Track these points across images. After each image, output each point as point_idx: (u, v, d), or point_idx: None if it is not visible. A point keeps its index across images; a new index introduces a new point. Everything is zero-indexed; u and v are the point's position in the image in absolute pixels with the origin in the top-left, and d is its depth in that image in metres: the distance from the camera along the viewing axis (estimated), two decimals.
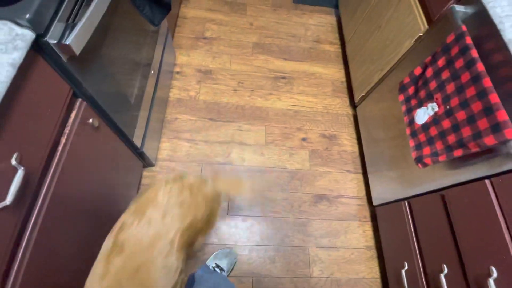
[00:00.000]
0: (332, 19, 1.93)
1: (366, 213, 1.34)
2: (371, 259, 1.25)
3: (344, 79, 1.70)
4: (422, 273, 0.92)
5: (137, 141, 1.04)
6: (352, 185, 1.39)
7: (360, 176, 1.42)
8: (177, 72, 1.54)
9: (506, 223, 0.65)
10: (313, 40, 1.82)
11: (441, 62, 0.83)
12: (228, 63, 1.62)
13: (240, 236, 1.20)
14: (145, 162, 1.20)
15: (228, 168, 1.32)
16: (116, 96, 0.86)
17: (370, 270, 1.23)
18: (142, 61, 1.05)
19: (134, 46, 0.96)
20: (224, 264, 1.07)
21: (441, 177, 0.87)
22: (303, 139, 1.47)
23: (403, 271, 0.99)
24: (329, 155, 1.45)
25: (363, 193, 1.38)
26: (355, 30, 1.55)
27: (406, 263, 0.99)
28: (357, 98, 1.49)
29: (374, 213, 1.30)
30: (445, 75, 0.81)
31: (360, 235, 1.29)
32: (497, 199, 0.68)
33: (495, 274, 0.66)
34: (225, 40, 1.70)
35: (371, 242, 1.28)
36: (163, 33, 1.28)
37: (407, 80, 0.97)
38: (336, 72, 1.72)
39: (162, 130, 1.36)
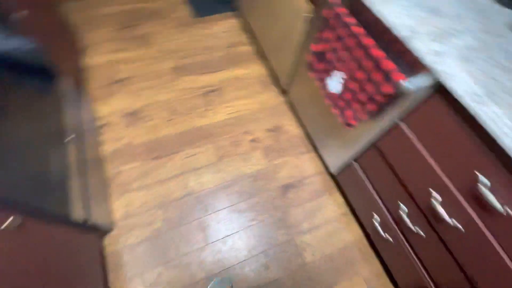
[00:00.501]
0: (235, 22, 2.00)
1: (331, 183, 1.42)
2: (350, 223, 1.33)
3: (268, 73, 1.77)
4: (389, 217, 1.01)
5: (80, 215, 0.96)
6: (309, 164, 1.47)
7: (313, 154, 1.50)
8: (103, 125, 1.46)
9: (428, 152, 0.75)
10: (227, 46, 1.86)
11: (328, 34, 0.91)
12: (153, 96, 1.58)
13: (226, 259, 1.19)
14: (100, 231, 1.11)
15: (191, 199, 1.29)
16: (34, 180, 0.78)
17: (353, 233, 1.31)
18: (55, 130, 0.97)
19: (38, 119, 0.89)
20: None
21: (369, 130, 0.96)
22: (252, 141, 1.50)
23: (375, 222, 1.07)
24: (280, 145, 1.51)
25: (321, 167, 1.46)
26: (260, 24, 1.63)
27: (375, 214, 1.08)
28: (284, 85, 1.57)
29: (337, 181, 1.38)
30: (336, 45, 0.90)
31: (333, 206, 1.36)
32: (416, 136, 0.78)
33: (434, 193, 0.75)
34: (141, 76, 1.65)
35: (344, 208, 1.36)
36: (71, 92, 1.20)
37: (309, 58, 1.05)
38: (258, 69, 1.78)
39: (108, 189, 1.28)
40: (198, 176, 1.35)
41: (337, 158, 1.27)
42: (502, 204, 0.59)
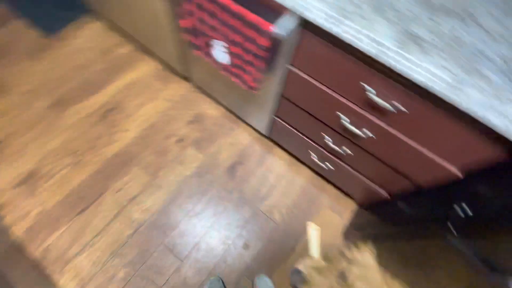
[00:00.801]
0: (97, 25, 1.71)
1: (269, 143, 1.45)
2: (298, 169, 1.40)
3: (160, 66, 1.61)
4: (322, 149, 1.08)
5: None
6: (243, 136, 1.46)
7: (242, 124, 1.48)
8: None
9: (323, 84, 0.79)
10: (101, 55, 1.61)
11: (188, 6, 0.83)
12: (42, 148, 1.32)
13: (207, 263, 1.16)
14: None
15: (143, 230, 1.19)
16: None
17: (304, 175, 1.39)
18: None
19: None
20: None
21: (272, 85, 0.97)
22: (178, 141, 1.41)
23: (314, 158, 1.15)
24: (208, 132, 1.45)
25: (254, 134, 1.47)
26: (123, 18, 1.42)
27: (311, 152, 1.15)
28: (183, 72, 1.46)
29: (272, 139, 1.42)
30: (200, 14, 0.83)
31: (279, 161, 1.41)
32: (304, 73, 0.80)
33: (341, 116, 0.81)
34: (15, 133, 1.35)
35: (289, 159, 1.42)
36: None
37: (186, 36, 0.97)
38: (148, 65, 1.61)
39: (45, 271, 1.08)
40: (139, 204, 1.24)
41: (261, 120, 1.28)
42: (390, 104, 0.66)
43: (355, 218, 1.31)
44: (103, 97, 1.48)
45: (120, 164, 1.32)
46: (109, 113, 1.44)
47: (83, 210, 1.20)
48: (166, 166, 1.34)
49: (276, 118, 1.14)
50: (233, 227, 1.25)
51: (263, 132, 1.38)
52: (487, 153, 0.61)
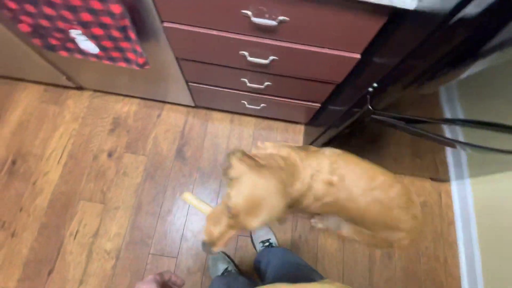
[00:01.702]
0: None
1: (202, 111, 1.39)
2: (237, 121, 1.39)
3: (42, 87, 1.35)
4: (250, 93, 1.07)
5: None
6: (174, 116, 1.37)
7: (167, 106, 1.38)
8: None
9: (204, 27, 0.72)
10: None
11: (12, 5, 0.66)
12: None
13: (199, 245, 1.18)
14: None
15: (124, 254, 1.14)
16: None
17: (248, 124, 1.39)
18: None
19: None
20: (222, 266, 1.09)
21: (161, 52, 0.87)
22: (109, 155, 1.28)
23: (247, 105, 1.14)
24: (136, 130, 1.32)
25: (184, 109, 1.38)
26: None
27: (242, 101, 1.13)
28: (70, 83, 1.25)
29: (202, 106, 1.35)
30: (33, 8, 0.67)
31: (220, 124, 1.38)
32: (180, 23, 0.72)
33: (246, 53, 0.78)
34: None
35: (228, 116, 1.39)
36: None
37: (36, 41, 0.79)
38: (28, 93, 1.34)
39: None
40: (106, 235, 1.16)
41: (180, 92, 1.19)
42: (271, 18, 0.64)
43: (307, 136, 1.38)
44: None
45: (62, 208, 1.18)
46: (15, 166, 1.23)
47: (51, 272, 1.10)
48: (111, 185, 1.23)
49: (190, 84, 1.07)
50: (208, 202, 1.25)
51: (190, 103, 1.30)
52: (367, 26, 0.63)
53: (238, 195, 0.49)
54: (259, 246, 1.14)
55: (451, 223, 1.32)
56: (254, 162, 0.54)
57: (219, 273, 1.08)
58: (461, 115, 0.72)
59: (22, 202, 1.18)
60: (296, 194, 0.62)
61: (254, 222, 0.49)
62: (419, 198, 1.35)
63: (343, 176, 0.66)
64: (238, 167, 0.53)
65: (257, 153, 0.62)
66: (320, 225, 1.20)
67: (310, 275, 0.62)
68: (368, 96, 0.69)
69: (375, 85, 0.68)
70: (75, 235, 1.15)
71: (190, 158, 1.31)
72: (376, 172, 0.70)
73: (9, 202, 1.17)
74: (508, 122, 0.70)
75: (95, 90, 1.36)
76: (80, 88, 1.36)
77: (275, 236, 1.20)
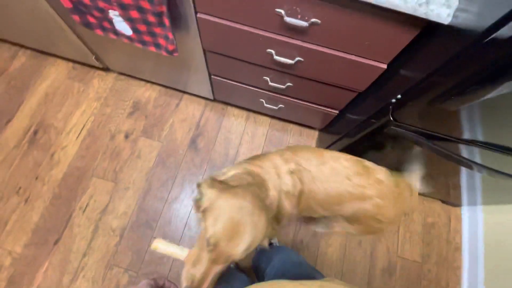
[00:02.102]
0: None
1: (219, 105, 1.41)
2: (257, 120, 1.40)
3: (71, 64, 1.41)
4: (268, 93, 1.08)
5: None
6: (192, 107, 1.39)
7: (186, 96, 1.40)
8: None
9: (236, 22, 0.74)
10: None
11: None
12: None
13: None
14: None
15: (129, 234, 1.16)
16: None
17: (263, 123, 1.40)
18: None
19: None
20: None
21: (191, 42, 0.89)
22: (126, 136, 1.31)
23: (265, 104, 1.15)
24: (154, 116, 1.36)
25: (202, 101, 1.41)
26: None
27: (260, 99, 1.14)
28: (98, 63, 1.29)
29: (221, 100, 1.37)
30: None
31: (236, 120, 1.40)
32: (214, 16, 0.74)
33: (273, 51, 0.79)
34: None
35: (244, 114, 1.41)
36: None
37: (75, 17, 0.83)
38: (57, 69, 1.40)
39: None
40: (114, 212, 1.19)
41: (202, 84, 1.21)
42: (303, 19, 0.65)
43: (319, 143, 1.38)
44: (22, 122, 1.29)
45: (75, 182, 1.22)
46: (37, 137, 1.28)
47: (57, 241, 1.14)
48: (124, 166, 1.27)
49: (213, 77, 1.09)
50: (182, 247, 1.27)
51: (209, 96, 1.32)
52: (398, 37, 0.64)
53: (215, 222, 0.45)
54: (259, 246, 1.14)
55: (458, 248, 1.29)
56: (225, 185, 0.51)
57: None
58: (480, 137, 0.71)
59: (38, 171, 1.22)
60: (274, 202, 0.60)
61: (239, 248, 0.45)
62: (428, 219, 1.32)
63: (298, 161, 0.67)
64: (210, 194, 0.49)
65: (224, 178, 0.59)
66: (319, 229, 1.18)
67: (312, 274, 0.62)
68: (390, 107, 0.69)
69: (399, 96, 0.68)
70: (85, 209, 1.18)
71: (202, 149, 1.33)
72: (322, 150, 0.73)
73: (27, 169, 1.22)
74: None
75: (120, 73, 1.41)
76: (106, 69, 1.40)
77: (277, 238, 1.20)
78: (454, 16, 0.53)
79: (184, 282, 0.46)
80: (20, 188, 1.19)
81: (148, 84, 1.41)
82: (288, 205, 0.63)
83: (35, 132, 1.28)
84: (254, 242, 0.46)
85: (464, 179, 1.13)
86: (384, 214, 0.71)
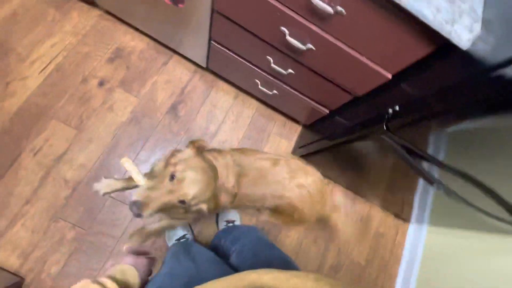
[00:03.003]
0: None
1: (210, 76, 1.33)
2: (245, 100, 1.36)
3: None
4: (268, 76, 1.04)
5: None
6: (179, 70, 1.30)
7: (176, 56, 1.30)
8: None
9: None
10: None
11: None
12: None
13: None
14: None
15: (83, 188, 1.07)
16: None
17: (251, 106, 1.37)
18: None
19: None
20: (180, 232, 1.06)
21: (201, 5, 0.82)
22: (100, 84, 1.18)
23: (259, 86, 1.12)
24: (136, 69, 1.24)
25: (192, 66, 1.32)
26: None
27: (255, 80, 1.10)
28: None
29: (213, 71, 1.30)
30: None
31: (224, 95, 1.34)
32: None
33: (286, 31, 0.75)
34: None
35: (234, 91, 1.35)
36: None
37: None
38: None
39: None
40: (70, 162, 1.08)
41: (197, 47, 1.13)
42: (331, 5, 0.62)
43: (300, 138, 1.39)
44: None
45: (31, 120, 1.07)
46: None
47: None
48: (92, 115, 1.14)
49: (213, 43, 1.02)
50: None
51: (202, 63, 1.24)
52: (412, 50, 0.64)
53: (186, 169, 0.60)
54: (222, 225, 1.13)
55: (398, 261, 1.41)
56: (199, 152, 0.67)
57: (176, 237, 1.05)
58: (441, 157, 0.75)
59: None
60: (218, 189, 0.72)
61: (192, 191, 0.59)
62: (380, 229, 1.42)
63: (243, 165, 0.79)
64: (189, 152, 0.66)
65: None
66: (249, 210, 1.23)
67: (285, 258, 0.63)
68: (386, 116, 0.71)
69: (396, 108, 0.69)
70: (36, 152, 1.05)
71: (182, 117, 1.26)
72: (259, 153, 0.87)
73: None
74: (486, 181, 0.75)
75: (107, 12, 1.25)
76: (91, 3, 1.23)
77: (241, 221, 1.20)
78: (473, 43, 0.54)
79: (134, 197, 0.57)
80: None
81: (137, 33, 1.27)
82: (223, 199, 0.74)
83: None
84: (201, 195, 0.62)
85: (417, 198, 1.23)
86: (300, 213, 0.86)
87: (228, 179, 0.74)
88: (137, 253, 0.59)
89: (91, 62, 1.19)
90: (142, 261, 0.56)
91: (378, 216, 1.44)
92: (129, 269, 0.51)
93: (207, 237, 1.14)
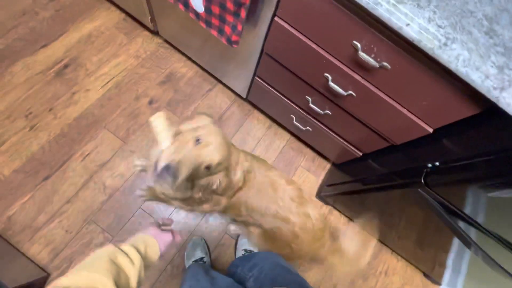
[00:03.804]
0: None
1: (247, 106, 1.41)
2: (277, 131, 1.41)
3: (123, 16, 1.41)
4: (302, 112, 1.08)
5: None
6: (221, 98, 1.40)
7: (219, 86, 1.41)
8: None
9: (309, 39, 0.75)
10: (48, 0, 1.35)
11: None
12: None
13: (188, 223, 1.17)
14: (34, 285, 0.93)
15: (118, 196, 1.14)
16: None
17: (282, 138, 1.40)
18: None
19: None
20: (199, 253, 1.07)
21: (254, 40, 0.90)
22: (150, 102, 1.31)
23: (294, 121, 1.16)
24: (183, 93, 1.36)
25: (232, 96, 1.41)
26: None
27: (291, 115, 1.15)
28: (150, 24, 1.30)
29: (251, 102, 1.38)
30: None
31: (258, 124, 1.40)
32: (290, 25, 0.75)
33: (329, 76, 0.80)
34: None
35: (268, 122, 1.41)
36: None
37: None
38: (109, 15, 1.40)
39: (12, 240, 1.01)
40: (112, 170, 1.17)
41: (241, 80, 1.22)
42: (375, 60, 0.66)
43: (328, 176, 1.38)
44: (56, 51, 1.28)
45: (86, 127, 1.20)
46: (65, 70, 1.27)
47: (47, 177, 1.11)
48: (138, 129, 1.25)
49: (256, 78, 1.09)
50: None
51: (242, 94, 1.33)
52: (457, 109, 0.65)
53: (210, 133, 0.60)
54: (240, 253, 1.12)
55: None
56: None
57: (194, 258, 1.06)
58: (480, 219, 0.70)
59: (55, 104, 1.20)
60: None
61: (218, 155, 0.59)
62: (405, 286, 1.31)
63: (252, 165, 0.78)
64: (207, 119, 0.67)
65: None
66: (234, 227, 1.18)
67: (302, 282, 0.61)
68: (424, 171, 0.70)
69: (437, 163, 0.68)
70: (85, 157, 1.16)
71: None
72: (271, 167, 0.85)
73: (44, 98, 1.20)
74: None
75: (166, 41, 1.41)
76: (155, 32, 1.40)
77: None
78: None
79: (162, 161, 0.55)
80: (30, 113, 1.17)
81: (189, 61, 1.41)
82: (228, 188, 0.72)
83: (66, 66, 1.27)
84: (224, 161, 0.61)
85: (451, 259, 1.13)
86: (298, 245, 0.79)
87: (235, 172, 0.71)
88: (162, 226, 0.59)
89: (145, 82, 1.33)
90: (165, 237, 0.55)
91: (404, 272, 1.33)
92: (152, 241, 0.50)
93: (224, 264, 1.13)
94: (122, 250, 0.44)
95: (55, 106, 1.20)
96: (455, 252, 1.03)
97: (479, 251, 0.78)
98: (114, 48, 1.35)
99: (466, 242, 0.82)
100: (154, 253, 0.50)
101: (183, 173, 0.55)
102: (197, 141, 0.58)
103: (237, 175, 0.73)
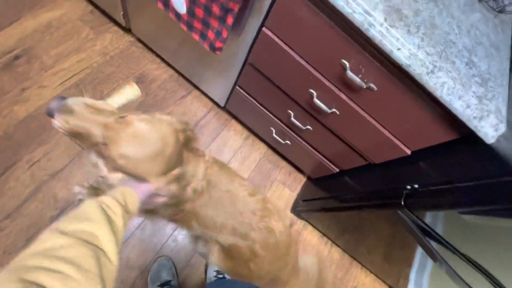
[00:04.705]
0: None
1: (224, 115, 1.35)
2: (254, 143, 1.36)
3: (90, 7, 1.28)
4: (282, 125, 1.06)
5: None
6: (197, 105, 1.32)
7: (196, 92, 1.33)
8: None
9: (297, 53, 0.73)
10: None
11: None
12: None
13: (153, 242, 1.06)
14: None
15: (71, 210, 0.99)
16: None
17: (260, 150, 1.37)
18: None
19: None
20: (165, 276, 0.97)
21: (237, 49, 0.86)
22: None
23: (273, 134, 1.13)
24: (155, 97, 1.26)
25: (209, 103, 1.34)
26: None
27: (270, 127, 1.12)
28: (121, 20, 1.19)
29: (229, 111, 1.32)
30: None
31: (235, 135, 1.34)
32: (279, 38, 0.72)
33: (314, 93, 0.78)
34: None
35: (245, 133, 1.36)
36: None
37: None
38: (73, 5, 1.26)
39: None
40: (64, 181, 1.02)
41: (220, 88, 1.16)
42: (363, 80, 0.66)
43: (303, 190, 1.37)
44: (8, 39, 1.11)
45: (35, 130, 1.04)
46: (16, 62, 1.10)
47: None
48: None
49: (237, 88, 1.05)
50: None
51: (220, 102, 1.27)
52: (436, 133, 0.67)
53: (146, 119, 0.55)
54: (211, 274, 1.04)
55: None
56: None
57: (159, 282, 0.96)
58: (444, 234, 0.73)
59: (5, 100, 1.03)
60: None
61: (129, 148, 0.51)
62: None
63: (212, 180, 0.68)
64: (167, 117, 0.61)
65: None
66: (200, 248, 1.08)
67: None
68: (404, 192, 0.71)
69: (416, 186, 0.69)
70: (32, 164, 1.00)
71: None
72: (235, 175, 0.75)
73: None
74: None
75: (139, 40, 1.30)
76: (127, 29, 1.29)
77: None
78: (497, 140, 0.57)
79: (70, 100, 0.51)
80: None
81: (163, 64, 1.32)
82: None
83: (17, 57, 1.10)
84: (139, 163, 0.52)
85: (413, 274, 1.18)
86: (257, 264, 0.71)
87: (194, 179, 0.64)
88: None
89: (111, 83, 1.21)
90: (143, 186, 0.52)
91: (373, 285, 1.36)
92: (129, 192, 0.47)
93: (193, 286, 1.04)
94: (104, 203, 0.42)
95: (0, 102, 1.02)
96: (417, 265, 1.07)
97: (444, 263, 0.81)
98: (77, 42, 1.21)
99: (434, 257, 0.85)
100: (133, 204, 0.47)
101: (67, 122, 0.50)
102: (122, 117, 0.53)
103: (191, 185, 0.63)
